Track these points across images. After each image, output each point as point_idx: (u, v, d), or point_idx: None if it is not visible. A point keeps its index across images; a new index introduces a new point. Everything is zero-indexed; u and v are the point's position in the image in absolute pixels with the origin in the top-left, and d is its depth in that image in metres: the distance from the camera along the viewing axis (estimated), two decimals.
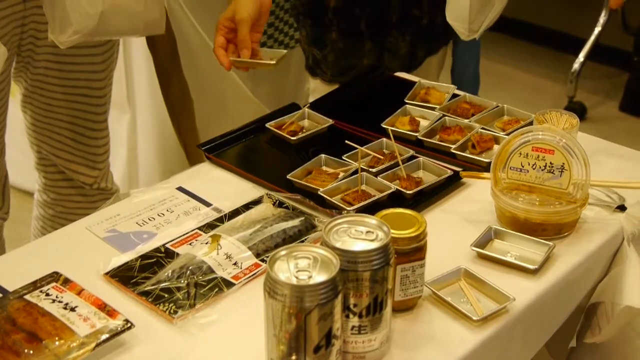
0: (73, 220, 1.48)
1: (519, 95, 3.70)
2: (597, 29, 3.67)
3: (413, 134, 1.65)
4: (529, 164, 1.37)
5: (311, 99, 2.23)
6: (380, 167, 1.53)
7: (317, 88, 2.21)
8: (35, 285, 1.22)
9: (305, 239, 1.35)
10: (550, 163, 1.36)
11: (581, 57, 3.63)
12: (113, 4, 1.67)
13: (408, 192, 1.46)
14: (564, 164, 1.35)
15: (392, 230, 1.12)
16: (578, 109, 3.54)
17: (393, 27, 2.07)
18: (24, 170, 2.54)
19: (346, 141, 1.60)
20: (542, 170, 1.36)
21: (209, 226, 1.39)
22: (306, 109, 1.74)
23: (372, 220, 1.13)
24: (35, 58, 1.83)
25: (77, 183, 1.97)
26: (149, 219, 1.42)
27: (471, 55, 2.67)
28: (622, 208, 1.44)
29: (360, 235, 1.10)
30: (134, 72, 2.69)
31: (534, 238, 1.34)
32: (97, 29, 1.68)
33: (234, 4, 1.73)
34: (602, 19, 3.69)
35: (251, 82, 2.66)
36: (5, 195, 1.90)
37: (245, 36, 1.70)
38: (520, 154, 1.38)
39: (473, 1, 1.77)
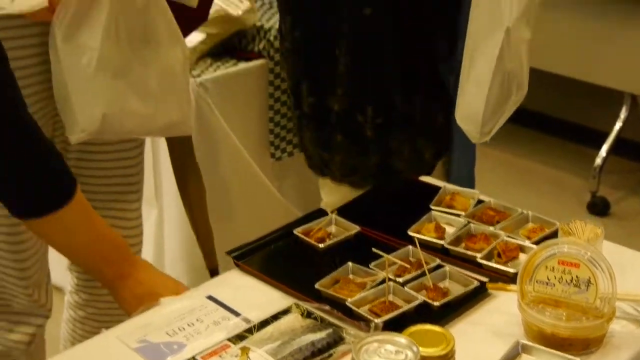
0: (103, 322, 1.50)
1: (540, 190, 3.72)
2: (619, 124, 3.70)
3: (439, 241, 1.67)
4: (555, 278, 1.39)
5: (323, 195, 2.25)
6: (407, 277, 1.55)
7: (326, 183, 2.23)
8: None
9: (333, 352, 1.36)
10: (577, 277, 1.37)
11: (603, 151, 3.65)
12: (116, 107, 1.72)
13: (435, 303, 1.47)
14: (590, 277, 1.37)
15: (420, 348, 1.13)
16: (601, 205, 3.55)
17: (394, 127, 2.09)
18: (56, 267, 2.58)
19: (373, 249, 1.63)
20: (568, 284, 1.38)
21: (238, 337, 1.40)
22: (333, 216, 1.77)
23: (401, 339, 1.14)
24: (68, 149, 1.86)
25: None
26: (179, 329, 1.44)
27: (466, 160, 2.64)
28: None
29: (390, 355, 1.12)
30: (162, 168, 2.73)
31: (561, 354, 1.34)
32: (103, 129, 1.73)
33: None
34: (622, 114, 3.73)
35: (277, 181, 2.70)
36: (48, 292, 1.92)
37: None
38: (547, 267, 1.39)
39: (488, 105, 1.78)
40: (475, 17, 1.75)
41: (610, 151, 3.66)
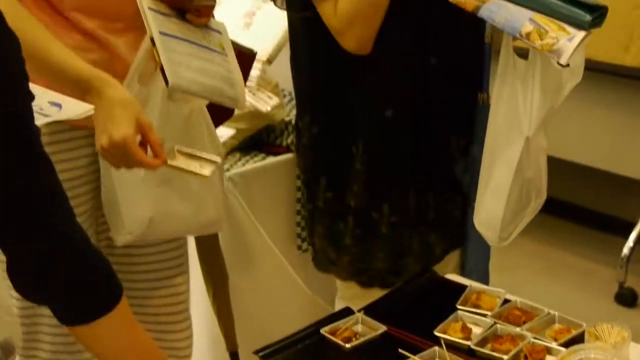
0: None
1: (567, 279, 3.70)
2: None
3: (465, 342, 1.67)
4: None
5: (338, 286, 2.25)
6: None
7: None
8: None
9: None
10: None
11: (631, 241, 3.63)
12: (162, 210, 1.77)
13: None
14: None
15: None
16: (629, 295, 3.52)
17: (408, 225, 2.10)
18: None
19: (399, 349, 1.63)
20: None
21: None
22: (360, 315, 1.78)
23: None
24: (113, 246, 1.88)
25: None
26: None
27: (482, 256, 2.63)
28: None
29: None
30: (192, 265, 2.75)
31: None
32: (148, 232, 1.79)
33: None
34: None
35: (303, 272, 2.71)
36: None
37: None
38: None
39: (507, 211, 1.79)
40: (494, 125, 1.78)
41: (637, 241, 3.65)
